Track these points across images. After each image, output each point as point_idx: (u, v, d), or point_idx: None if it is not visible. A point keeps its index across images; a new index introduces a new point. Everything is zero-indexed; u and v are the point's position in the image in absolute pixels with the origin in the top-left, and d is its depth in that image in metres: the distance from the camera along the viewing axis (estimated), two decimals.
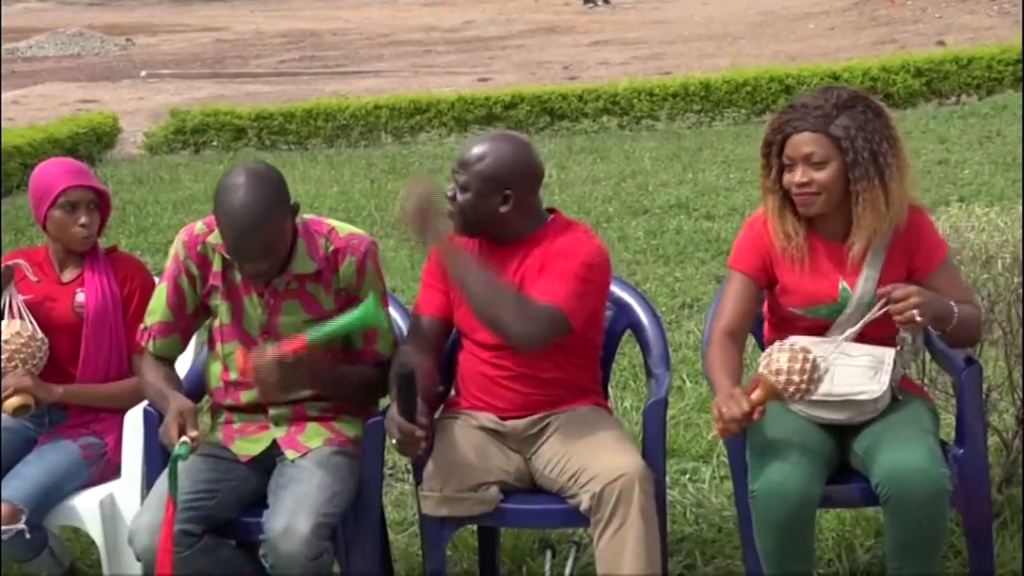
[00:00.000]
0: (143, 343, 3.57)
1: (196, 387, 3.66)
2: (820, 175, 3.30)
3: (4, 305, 3.74)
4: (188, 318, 3.56)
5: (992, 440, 4.05)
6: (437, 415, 3.55)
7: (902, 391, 3.44)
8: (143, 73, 21.77)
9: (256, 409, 3.54)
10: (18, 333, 3.68)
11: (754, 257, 3.44)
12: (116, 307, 3.81)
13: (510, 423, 3.50)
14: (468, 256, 3.41)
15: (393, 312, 3.68)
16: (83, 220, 3.77)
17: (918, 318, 3.17)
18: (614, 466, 3.27)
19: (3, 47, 25.44)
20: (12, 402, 3.60)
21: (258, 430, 3.53)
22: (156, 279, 3.73)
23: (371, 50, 24.32)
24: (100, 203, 3.83)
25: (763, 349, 3.55)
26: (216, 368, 3.57)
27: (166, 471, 3.27)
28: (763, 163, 3.42)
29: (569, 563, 3.70)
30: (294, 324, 3.44)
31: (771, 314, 3.55)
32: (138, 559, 3.34)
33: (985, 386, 3.82)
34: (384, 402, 3.58)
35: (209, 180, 10.57)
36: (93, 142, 12.68)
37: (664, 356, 3.69)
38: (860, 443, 3.34)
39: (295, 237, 3.44)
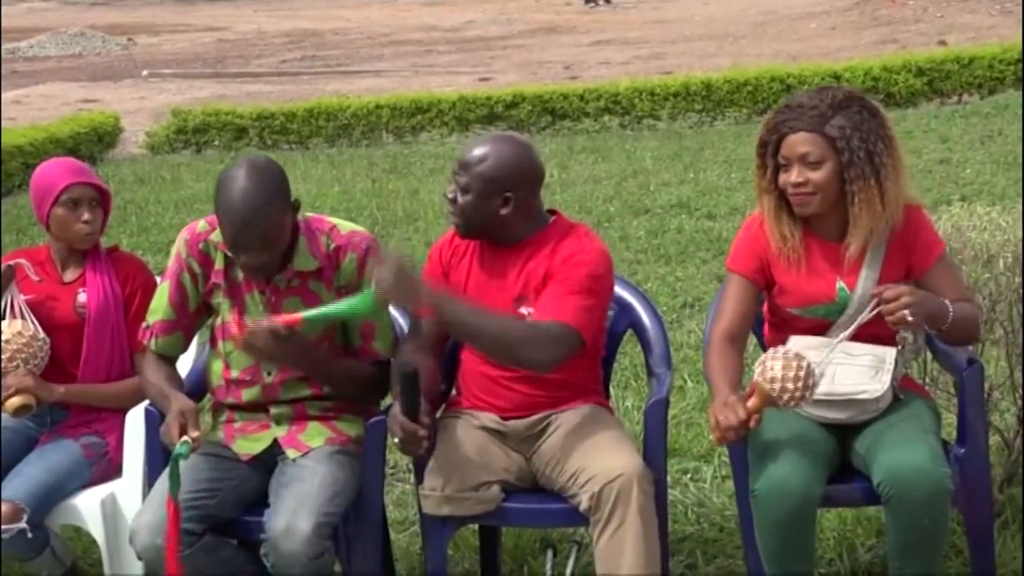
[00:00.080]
0: (145, 341, 3.58)
1: (198, 387, 3.66)
2: (816, 175, 3.30)
3: (6, 305, 3.74)
4: (190, 316, 3.56)
5: (993, 440, 4.05)
6: (438, 414, 3.56)
7: (903, 390, 3.44)
8: (145, 73, 21.78)
9: (257, 408, 3.54)
10: (19, 333, 3.68)
11: (751, 259, 3.44)
12: (118, 307, 3.81)
13: (511, 423, 3.50)
14: (459, 301, 3.38)
15: (393, 312, 3.68)
16: (86, 216, 3.77)
17: (909, 318, 3.17)
18: (613, 466, 3.27)
19: (5, 47, 25.46)
20: (14, 402, 3.60)
21: (259, 429, 3.54)
22: (158, 279, 3.73)
23: (372, 50, 24.32)
24: (102, 201, 3.84)
25: (764, 349, 3.55)
26: (218, 366, 3.57)
27: (167, 470, 3.27)
28: (759, 163, 3.42)
29: (570, 563, 3.70)
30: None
31: (771, 315, 3.55)
32: (139, 558, 3.34)
33: (987, 385, 3.82)
34: (386, 401, 3.58)
35: (210, 180, 10.55)
36: (95, 142, 12.69)
37: (665, 356, 3.68)
38: (861, 442, 3.34)
39: (296, 234, 3.44)
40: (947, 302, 3.27)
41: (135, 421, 3.63)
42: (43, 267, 3.86)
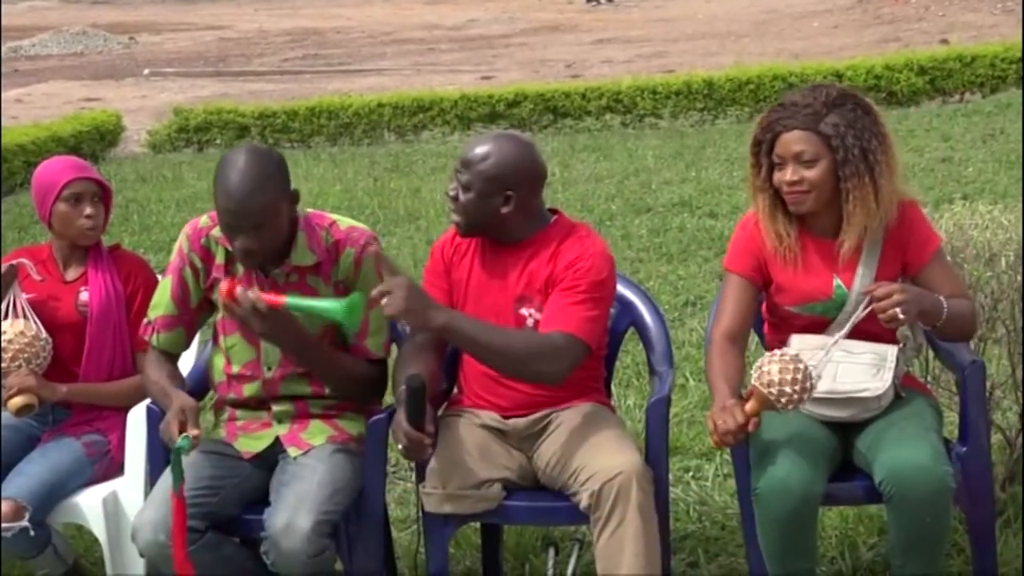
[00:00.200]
0: (147, 337, 3.58)
1: (199, 385, 3.67)
2: (810, 173, 3.30)
3: (8, 305, 3.75)
4: (192, 312, 3.56)
5: (995, 438, 4.05)
6: (440, 413, 3.56)
7: (905, 388, 3.44)
8: (146, 71, 21.79)
9: (258, 404, 3.54)
10: (22, 333, 3.68)
11: (748, 258, 3.44)
12: (120, 305, 3.81)
13: (512, 421, 3.50)
14: (467, 318, 3.38)
15: None
16: (88, 211, 3.77)
17: (901, 316, 3.17)
18: (613, 464, 3.27)
19: (7, 45, 25.48)
20: (16, 402, 3.60)
21: (261, 427, 3.54)
22: (159, 277, 3.73)
23: (374, 48, 24.34)
24: (103, 197, 3.84)
25: (765, 347, 3.55)
26: (220, 361, 3.57)
27: (169, 467, 3.27)
28: (753, 162, 3.43)
29: (572, 561, 3.70)
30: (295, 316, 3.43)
31: (769, 314, 3.55)
32: (141, 555, 3.34)
33: (988, 384, 3.82)
34: (387, 401, 3.58)
35: (212, 179, 10.57)
36: (96, 140, 12.71)
37: (667, 354, 3.68)
38: (863, 440, 3.34)
39: (295, 229, 3.44)
40: (941, 298, 3.27)
41: (137, 419, 3.63)
42: (45, 266, 3.86)
